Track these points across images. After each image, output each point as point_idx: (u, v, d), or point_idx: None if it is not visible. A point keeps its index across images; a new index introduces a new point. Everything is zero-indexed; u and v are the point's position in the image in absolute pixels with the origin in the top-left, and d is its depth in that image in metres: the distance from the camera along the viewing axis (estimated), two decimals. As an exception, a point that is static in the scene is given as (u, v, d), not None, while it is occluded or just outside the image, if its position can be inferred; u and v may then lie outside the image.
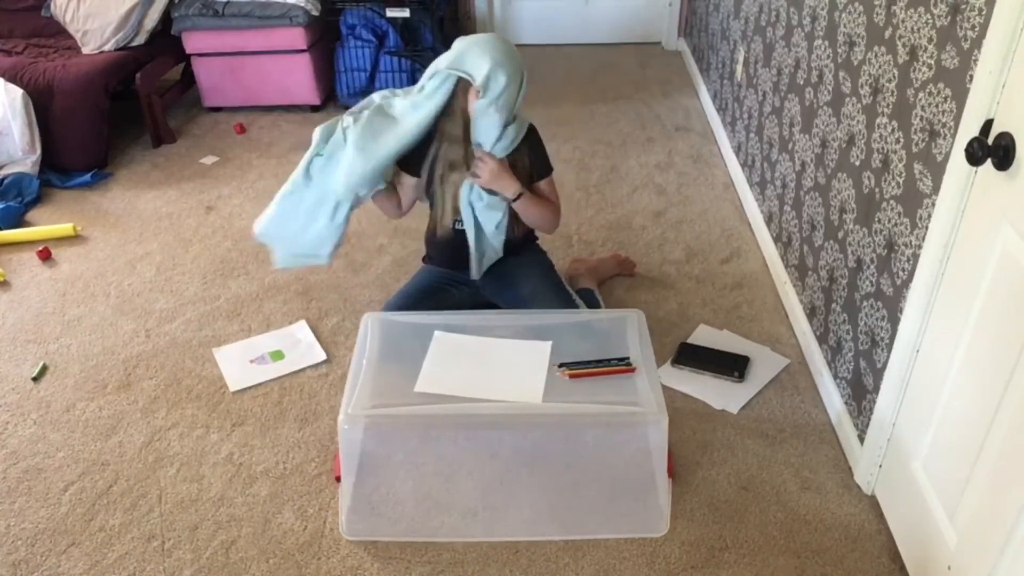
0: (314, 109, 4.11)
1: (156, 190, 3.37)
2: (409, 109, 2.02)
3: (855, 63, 2.00)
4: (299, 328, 2.47)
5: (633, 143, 3.68)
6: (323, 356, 2.34)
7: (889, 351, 1.77)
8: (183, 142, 3.81)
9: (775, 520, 1.84)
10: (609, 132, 3.80)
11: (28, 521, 1.88)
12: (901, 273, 1.72)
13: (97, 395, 2.25)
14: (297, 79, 3.97)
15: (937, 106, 1.56)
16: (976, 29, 1.41)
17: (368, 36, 3.91)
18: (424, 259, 2.41)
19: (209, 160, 3.61)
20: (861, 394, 1.94)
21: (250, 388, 2.25)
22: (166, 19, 3.80)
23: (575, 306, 2.26)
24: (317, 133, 2.01)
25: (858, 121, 1.97)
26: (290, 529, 1.85)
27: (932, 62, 1.58)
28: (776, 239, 2.69)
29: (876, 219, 1.85)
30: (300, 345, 2.40)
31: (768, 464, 1.99)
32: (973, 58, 1.42)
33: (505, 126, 2.03)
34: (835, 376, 2.12)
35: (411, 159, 2.12)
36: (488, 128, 2.01)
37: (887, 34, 1.81)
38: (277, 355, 2.37)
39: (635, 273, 2.72)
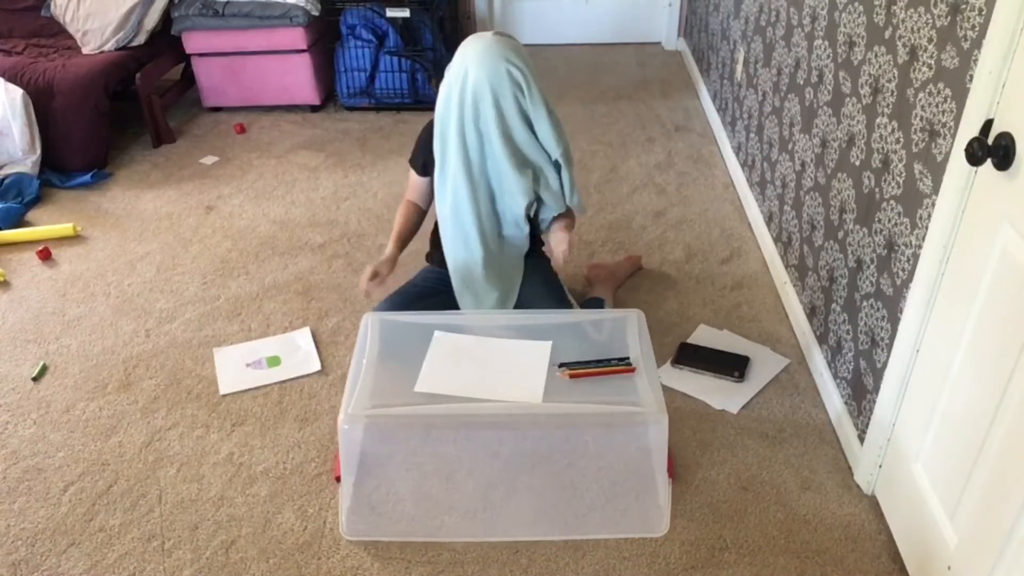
0: (314, 109, 4.11)
1: (156, 190, 3.37)
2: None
3: (855, 63, 2.00)
4: (301, 335, 2.46)
5: (633, 143, 3.68)
6: (317, 367, 2.33)
7: (889, 351, 1.77)
8: (183, 142, 3.81)
9: (775, 520, 1.84)
10: (609, 132, 3.80)
11: (28, 521, 1.88)
12: (901, 273, 1.72)
13: (97, 395, 2.25)
14: (297, 79, 3.97)
15: (937, 106, 1.56)
16: (976, 29, 1.41)
17: (368, 36, 3.91)
18: (427, 257, 2.41)
19: (209, 160, 3.61)
20: (861, 394, 1.94)
21: (240, 392, 2.25)
22: (166, 19, 3.80)
23: None
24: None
25: (858, 121, 1.97)
26: (290, 529, 1.85)
27: (932, 62, 1.58)
28: (776, 239, 2.69)
29: (876, 219, 1.85)
30: (299, 352, 2.39)
31: (768, 464, 1.99)
32: (973, 58, 1.42)
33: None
34: (835, 376, 2.12)
35: (428, 161, 2.17)
36: (546, 134, 2.07)
37: (887, 34, 1.81)
38: (274, 360, 2.36)
39: (642, 266, 2.75)
